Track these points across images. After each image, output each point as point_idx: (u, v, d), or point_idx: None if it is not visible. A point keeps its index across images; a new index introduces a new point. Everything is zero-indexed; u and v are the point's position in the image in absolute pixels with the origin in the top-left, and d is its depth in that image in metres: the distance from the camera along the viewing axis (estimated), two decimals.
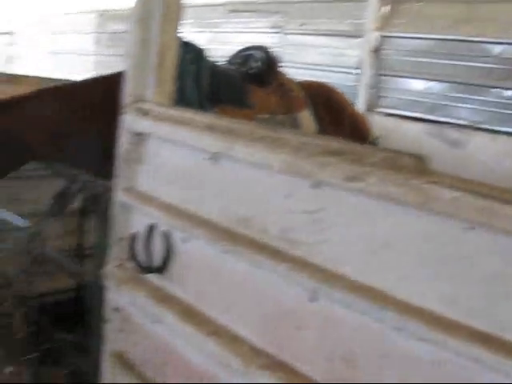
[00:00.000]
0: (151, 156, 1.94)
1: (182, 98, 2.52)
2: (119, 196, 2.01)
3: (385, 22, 5.19)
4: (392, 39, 5.19)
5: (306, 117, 3.36)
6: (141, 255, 1.90)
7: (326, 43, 5.83)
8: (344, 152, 1.34)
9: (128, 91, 1.98)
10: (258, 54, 3.32)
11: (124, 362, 2.06)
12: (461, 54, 4.68)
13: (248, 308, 1.57)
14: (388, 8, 5.15)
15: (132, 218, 1.99)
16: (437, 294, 1.17)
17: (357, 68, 5.41)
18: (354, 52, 5.50)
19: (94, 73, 7.23)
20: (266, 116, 3.16)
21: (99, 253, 2.20)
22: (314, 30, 5.94)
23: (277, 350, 1.48)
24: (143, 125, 1.91)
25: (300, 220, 1.42)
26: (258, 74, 3.29)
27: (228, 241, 1.58)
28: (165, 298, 1.81)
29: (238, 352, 1.52)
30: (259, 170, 1.52)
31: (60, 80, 3.57)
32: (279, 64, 3.48)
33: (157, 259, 1.84)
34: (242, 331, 1.58)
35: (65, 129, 2.61)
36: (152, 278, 1.89)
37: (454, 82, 4.77)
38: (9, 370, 2.77)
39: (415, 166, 1.22)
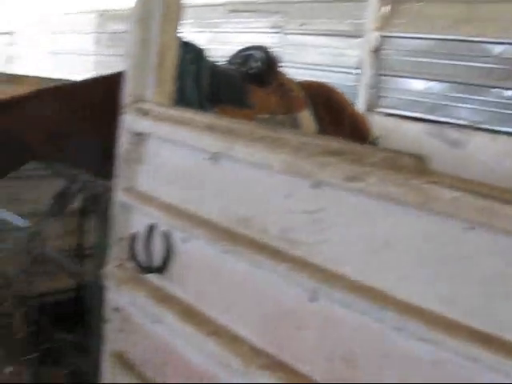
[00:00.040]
0: (151, 156, 1.94)
1: (181, 98, 2.52)
2: (119, 196, 2.01)
3: (385, 22, 5.19)
4: (392, 39, 5.18)
5: (306, 117, 3.36)
6: (141, 255, 1.90)
7: (326, 43, 5.83)
8: (344, 152, 1.34)
9: (128, 91, 1.98)
10: (258, 54, 3.32)
11: (124, 361, 2.06)
12: (461, 53, 4.68)
13: (248, 308, 1.57)
14: (388, 8, 5.15)
15: (132, 218, 1.99)
16: (437, 294, 1.17)
17: (357, 68, 5.41)
18: (354, 52, 5.50)
19: (94, 73, 7.22)
20: (266, 116, 3.16)
21: (99, 253, 2.20)
22: (314, 30, 5.94)
23: (277, 350, 1.48)
24: (143, 125, 1.91)
25: (300, 220, 1.42)
26: (257, 73, 3.29)
27: (228, 241, 1.58)
28: (165, 298, 1.81)
29: (238, 352, 1.52)
30: (259, 170, 1.52)
31: (60, 80, 3.57)
32: (279, 64, 3.48)
33: (157, 259, 1.84)
34: (242, 331, 1.58)
35: (65, 129, 2.61)
36: (152, 278, 1.89)
37: (454, 82, 4.76)
38: (9, 369, 2.77)
39: (415, 166, 1.22)
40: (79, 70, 8.35)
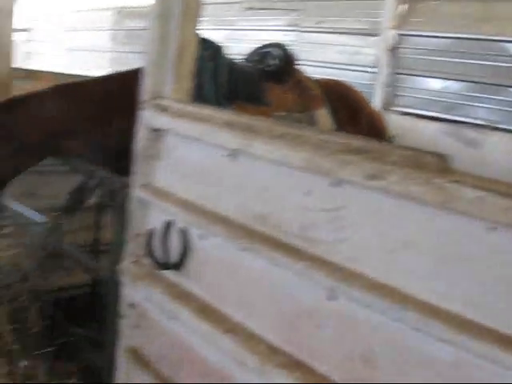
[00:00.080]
0: (169, 152, 1.93)
1: (199, 95, 2.51)
2: (136, 192, 2.01)
3: (402, 21, 5.17)
4: (409, 38, 5.16)
5: (323, 115, 3.34)
6: (157, 251, 1.90)
7: (343, 41, 5.81)
8: (365, 150, 1.32)
9: (146, 87, 1.98)
10: (276, 52, 3.32)
11: (139, 357, 2.06)
12: (478, 52, 4.65)
13: (265, 306, 1.56)
14: (405, 6, 5.13)
15: (149, 214, 1.99)
16: (457, 295, 1.16)
17: (373, 66, 5.39)
18: (371, 50, 5.48)
19: (110, 69, 7.25)
20: (283, 113, 3.15)
21: (115, 248, 2.20)
22: (331, 28, 5.93)
23: (294, 348, 1.48)
24: (161, 121, 1.91)
25: (319, 218, 1.41)
26: (275, 71, 3.28)
27: (245, 238, 1.58)
28: (181, 295, 1.81)
29: (254, 350, 1.52)
30: (278, 168, 1.51)
31: (76, 76, 3.59)
32: (296, 62, 3.47)
33: (173, 256, 1.84)
34: (259, 329, 1.57)
35: (80, 125, 2.62)
36: (168, 274, 1.89)
37: (472, 82, 4.73)
38: (23, 363, 2.78)
39: (437, 164, 1.21)
40: (95, 66, 8.40)
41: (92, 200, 2.72)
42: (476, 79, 4.68)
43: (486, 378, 1.11)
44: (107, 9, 9.12)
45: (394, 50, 5.22)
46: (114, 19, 9.01)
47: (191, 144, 1.82)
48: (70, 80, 2.95)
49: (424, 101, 5.11)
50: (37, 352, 2.83)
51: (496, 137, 4.20)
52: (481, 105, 4.68)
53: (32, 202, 3.08)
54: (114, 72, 3.07)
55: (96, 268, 2.75)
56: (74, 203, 2.71)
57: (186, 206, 1.81)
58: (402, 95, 5.21)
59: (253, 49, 3.51)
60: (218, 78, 2.86)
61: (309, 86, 3.40)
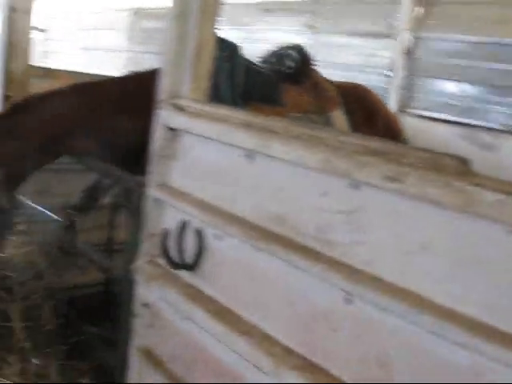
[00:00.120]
0: (185, 152, 1.93)
1: (215, 95, 2.51)
2: (152, 191, 2.01)
3: (418, 23, 5.14)
4: (425, 40, 5.14)
5: (339, 116, 3.33)
6: (172, 251, 1.89)
7: (359, 43, 5.79)
8: (383, 152, 1.31)
9: (164, 87, 1.98)
10: (293, 53, 3.31)
11: (152, 357, 2.06)
12: (495, 56, 4.61)
13: (280, 308, 1.55)
14: (421, 9, 5.10)
15: (164, 214, 1.99)
16: (476, 299, 1.15)
17: (389, 69, 5.37)
18: (387, 53, 5.46)
19: (126, 69, 7.28)
20: (298, 115, 3.14)
21: (129, 248, 2.21)
22: (347, 30, 5.91)
23: (309, 351, 1.47)
24: (179, 120, 1.91)
25: (336, 220, 1.41)
26: (292, 72, 3.28)
27: (261, 239, 1.57)
28: (196, 296, 1.81)
29: (269, 352, 1.51)
30: (295, 168, 1.50)
31: (93, 75, 3.60)
32: (313, 63, 3.46)
33: (189, 256, 1.84)
34: (274, 331, 1.56)
35: (96, 124, 2.63)
36: (183, 274, 1.89)
37: (488, 85, 4.70)
38: (36, 361, 2.78)
39: (456, 167, 1.20)
40: (111, 66, 8.43)
41: (106, 199, 2.73)
42: (492, 82, 4.65)
43: (501, 382, 1.10)
44: (124, 9, 9.16)
45: (409, 52, 5.20)
46: (131, 20, 9.05)
47: (208, 144, 1.82)
48: (87, 79, 2.96)
49: (439, 104, 5.08)
50: (49, 350, 2.83)
51: None
52: (498, 108, 4.64)
53: (47, 200, 3.09)
54: (131, 72, 3.08)
55: (110, 267, 2.76)
56: (89, 202, 2.72)
57: (202, 206, 1.81)
58: (417, 98, 5.18)
59: (269, 50, 3.50)
60: (235, 78, 2.86)
61: (325, 88, 3.39)
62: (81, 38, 10.03)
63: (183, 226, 1.86)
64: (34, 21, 3.08)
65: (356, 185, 1.36)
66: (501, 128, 4.45)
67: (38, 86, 2.67)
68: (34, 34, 3.16)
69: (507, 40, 4.49)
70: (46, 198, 3.13)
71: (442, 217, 1.20)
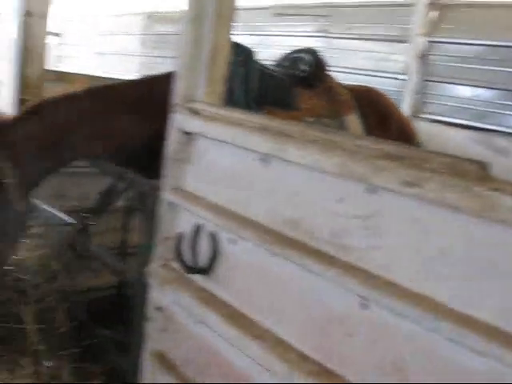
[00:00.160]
0: (200, 156, 1.93)
1: (229, 99, 2.51)
2: (166, 195, 2.01)
3: (432, 28, 5.14)
4: (439, 44, 5.13)
5: (353, 120, 3.32)
6: (186, 255, 1.89)
7: (372, 48, 5.79)
8: (401, 156, 1.30)
9: (179, 90, 1.98)
10: (308, 57, 3.30)
11: (165, 361, 2.05)
12: (510, 60, 4.59)
13: (295, 312, 1.54)
14: (436, 13, 5.09)
15: (178, 218, 1.99)
16: (493, 306, 1.13)
17: (403, 73, 5.36)
18: (400, 57, 5.45)
19: (139, 73, 7.31)
20: (312, 119, 3.13)
21: (143, 251, 2.21)
22: (360, 34, 5.91)
23: (324, 356, 1.45)
24: (193, 124, 1.91)
25: (352, 224, 1.40)
26: (306, 76, 3.27)
27: (276, 243, 1.56)
28: (209, 300, 1.80)
29: (283, 357, 1.50)
30: (310, 173, 1.49)
31: (107, 79, 3.61)
32: (327, 67, 3.45)
33: (202, 260, 1.83)
34: (288, 336, 1.55)
35: (110, 128, 2.63)
36: (197, 278, 1.89)
37: (503, 89, 4.67)
38: (48, 364, 2.79)
39: (476, 172, 1.18)
40: (125, 70, 8.47)
41: (120, 202, 2.73)
42: (507, 87, 4.63)
43: None
44: (138, 14, 9.21)
45: (423, 56, 5.19)
46: (144, 24, 9.10)
47: (222, 148, 1.81)
48: (101, 82, 2.97)
49: (454, 108, 5.06)
50: (62, 353, 2.84)
51: None
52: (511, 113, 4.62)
53: (61, 203, 3.10)
54: (146, 76, 3.08)
55: (123, 270, 2.76)
56: (103, 205, 2.73)
57: (216, 209, 1.80)
58: (431, 102, 5.17)
59: (283, 54, 3.50)
60: (249, 83, 2.85)
61: (339, 92, 3.38)
62: (95, 42, 10.10)
63: (197, 230, 1.86)
64: (50, 25, 3.09)
65: (373, 189, 1.35)
66: None
67: (52, 90, 2.68)
68: (49, 39, 3.18)
69: None
70: (60, 201, 3.14)
71: (461, 222, 1.18)
